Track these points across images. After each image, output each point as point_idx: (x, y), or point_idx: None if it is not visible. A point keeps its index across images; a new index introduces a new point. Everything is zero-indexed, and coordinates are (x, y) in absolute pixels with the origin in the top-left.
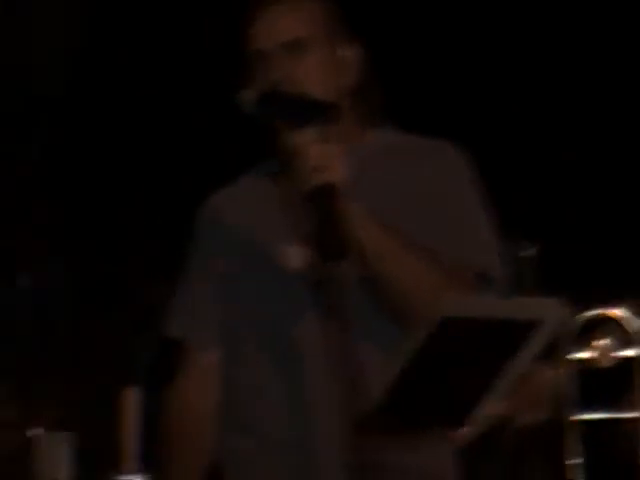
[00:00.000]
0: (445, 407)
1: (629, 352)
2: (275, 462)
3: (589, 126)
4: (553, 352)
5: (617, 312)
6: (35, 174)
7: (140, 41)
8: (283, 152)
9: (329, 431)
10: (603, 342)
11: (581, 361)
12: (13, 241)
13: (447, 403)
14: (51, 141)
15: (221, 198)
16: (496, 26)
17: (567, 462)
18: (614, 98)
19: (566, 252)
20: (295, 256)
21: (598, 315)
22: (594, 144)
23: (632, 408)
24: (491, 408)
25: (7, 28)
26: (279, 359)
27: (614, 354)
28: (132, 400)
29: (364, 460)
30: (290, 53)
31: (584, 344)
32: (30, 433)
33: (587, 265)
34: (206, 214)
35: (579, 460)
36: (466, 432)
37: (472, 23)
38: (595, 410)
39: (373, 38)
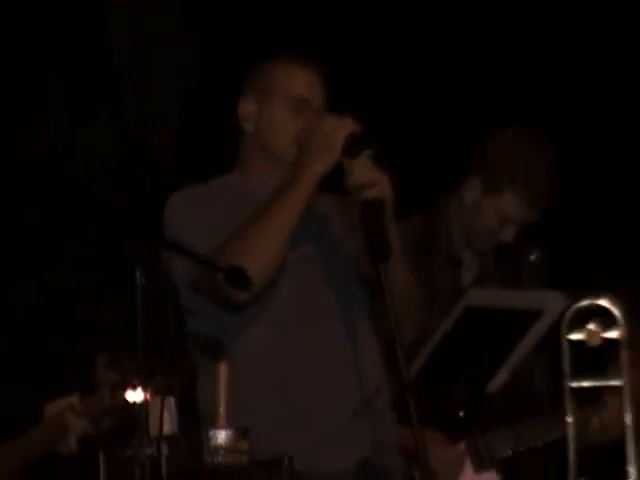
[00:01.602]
0: (468, 376)
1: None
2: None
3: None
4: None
5: (603, 302)
6: None
7: None
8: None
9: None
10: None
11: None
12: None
13: (470, 372)
14: None
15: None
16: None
17: None
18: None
19: (565, 254)
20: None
21: (589, 304)
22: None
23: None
24: (503, 379)
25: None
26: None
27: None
28: (223, 372)
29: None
30: (315, 111)
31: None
32: (142, 397)
33: (582, 263)
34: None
35: None
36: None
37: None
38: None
39: None
